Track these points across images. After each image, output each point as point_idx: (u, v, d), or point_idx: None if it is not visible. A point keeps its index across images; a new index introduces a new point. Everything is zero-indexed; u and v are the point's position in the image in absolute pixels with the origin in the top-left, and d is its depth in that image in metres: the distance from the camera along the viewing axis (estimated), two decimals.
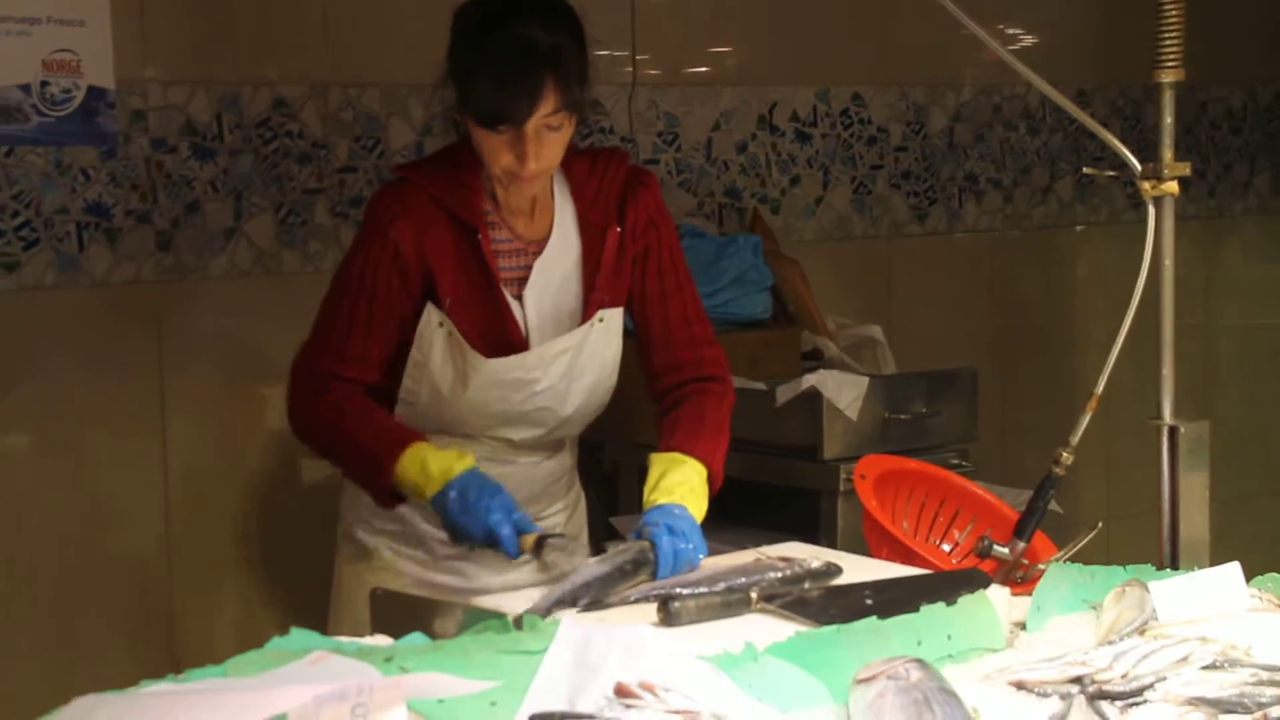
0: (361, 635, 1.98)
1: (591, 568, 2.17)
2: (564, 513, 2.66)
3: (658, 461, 2.45)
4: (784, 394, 3.41)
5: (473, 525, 2.30)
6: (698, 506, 2.38)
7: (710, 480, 2.45)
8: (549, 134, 2.35)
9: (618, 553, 2.20)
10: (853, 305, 4.22)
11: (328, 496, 3.57)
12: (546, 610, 2.05)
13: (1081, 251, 4.91)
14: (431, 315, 2.45)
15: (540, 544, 2.30)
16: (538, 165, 2.36)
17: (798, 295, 3.91)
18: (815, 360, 3.76)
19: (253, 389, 3.51)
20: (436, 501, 2.33)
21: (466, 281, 2.44)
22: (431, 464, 2.35)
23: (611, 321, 2.53)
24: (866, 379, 3.44)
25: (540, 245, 2.49)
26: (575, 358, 2.50)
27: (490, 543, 2.30)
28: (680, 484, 2.39)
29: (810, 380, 3.39)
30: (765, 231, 4.01)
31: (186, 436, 3.42)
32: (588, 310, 2.50)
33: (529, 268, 2.48)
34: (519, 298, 2.48)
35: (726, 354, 2.64)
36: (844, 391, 3.38)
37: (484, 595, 2.32)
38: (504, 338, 2.46)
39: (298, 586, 3.53)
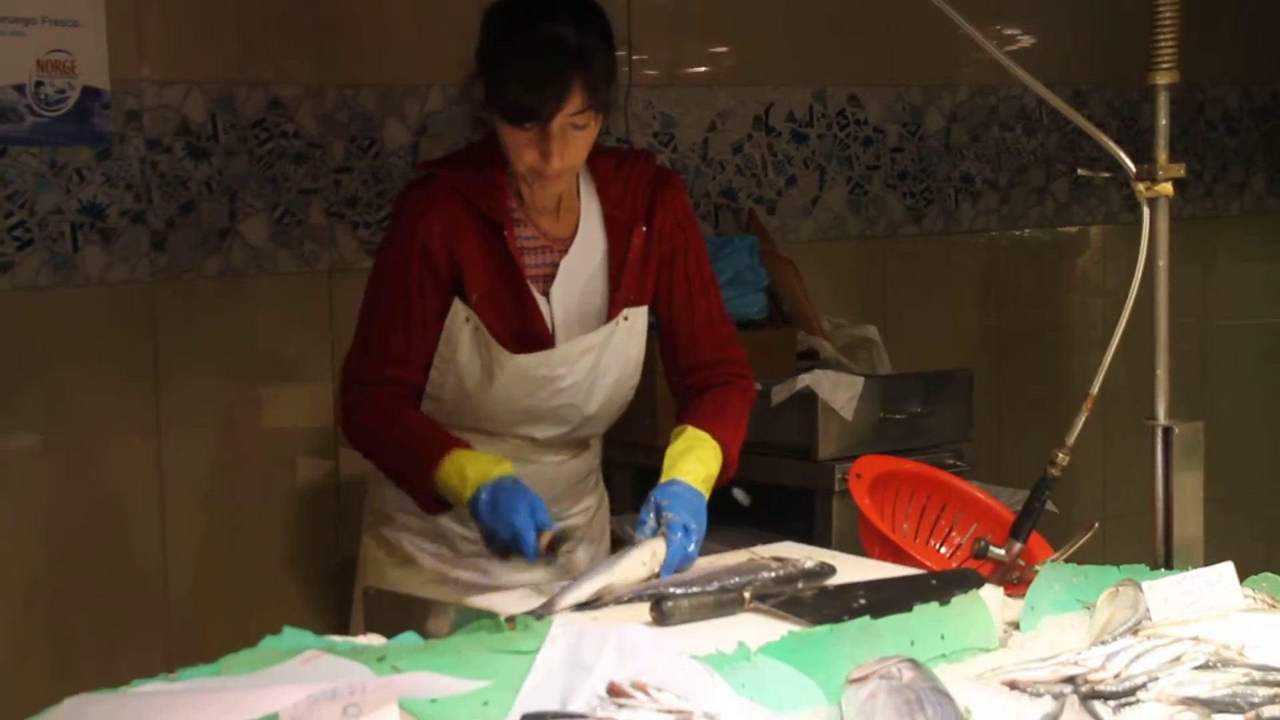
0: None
1: (604, 570, 2.18)
2: (587, 513, 2.68)
3: (688, 434, 2.48)
4: (779, 394, 3.41)
5: (501, 528, 2.32)
6: (708, 490, 2.42)
7: (724, 468, 2.48)
8: (574, 133, 2.37)
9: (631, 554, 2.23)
10: (848, 305, 4.22)
11: (323, 496, 3.59)
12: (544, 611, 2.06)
13: (1077, 252, 4.91)
14: (458, 310, 2.46)
15: (553, 543, 2.32)
16: (562, 163, 2.38)
17: (793, 295, 3.91)
18: (811, 360, 3.77)
19: (248, 389, 3.51)
20: (471, 505, 2.36)
21: (493, 277, 2.46)
22: (469, 469, 2.38)
23: (636, 320, 2.55)
24: (862, 379, 3.44)
25: (566, 243, 2.51)
26: (600, 355, 2.52)
27: (517, 550, 2.33)
28: (702, 465, 2.43)
29: (805, 380, 3.39)
30: (761, 232, 4.01)
31: (182, 436, 3.42)
32: (613, 309, 2.52)
33: (555, 265, 2.50)
34: (546, 294, 2.49)
35: None
36: (839, 392, 3.38)
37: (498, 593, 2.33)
38: (530, 333, 2.48)
39: (293, 585, 3.53)
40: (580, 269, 2.52)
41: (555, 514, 2.43)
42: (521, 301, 2.47)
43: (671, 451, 2.46)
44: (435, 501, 2.46)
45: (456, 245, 2.44)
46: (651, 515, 2.31)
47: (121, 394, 3.36)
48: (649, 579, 2.20)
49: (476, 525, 2.38)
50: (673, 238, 2.56)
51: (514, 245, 2.46)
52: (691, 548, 2.28)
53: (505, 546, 2.34)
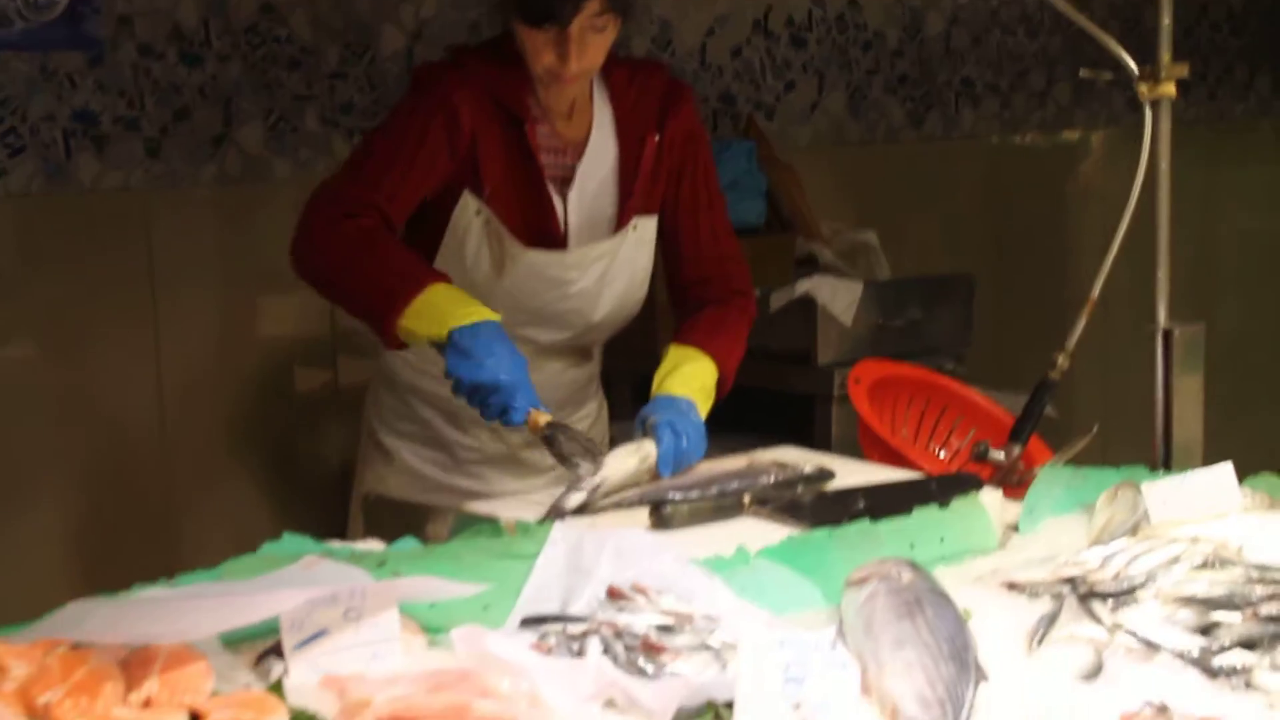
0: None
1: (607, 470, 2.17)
2: (586, 420, 2.68)
3: (674, 353, 2.47)
4: (778, 299, 3.40)
5: (485, 371, 2.18)
6: (704, 404, 2.41)
7: (720, 384, 2.47)
8: (593, 35, 2.34)
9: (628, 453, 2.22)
10: (848, 211, 4.19)
11: (321, 404, 3.59)
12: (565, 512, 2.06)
13: (1079, 156, 4.88)
14: (468, 203, 2.43)
15: (553, 430, 2.19)
16: (580, 66, 2.35)
17: (792, 201, 3.89)
18: (810, 266, 3.75)
19: (244, 296, 3.50)
20: (458, 333, 2.19)
21: (509, 171, 2.43)
22: (463, 300, 2.24)
23: (645, 230, 2.54)
24: (861, 285, 3.43)
25: (580, 147, 2.49)
26: (610, 263, 2.51)
27: (499, 400, 2.19)
28: (693, 378, 2.42)
29: (805, 286, 3.38)
30: (760, 137, 3.98)
31: (179, 344, 3.41)
32: (623, 216, 2.51)
33: (569, 168, 2.48)
34: (562, 196, 2.47)
35: None
36: (838, 297, 3.38)
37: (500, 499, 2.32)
38: (545, 231, 2.46)
39: (292, 491, 3.54)
40: (592, 175, 2.50)
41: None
42: (539, 198, 2.45)
43: (658, 375, 2.45)
44: (398, 332, 2.26)
45: (479, 130, 2.40)
46: (639, 428, 2.32)
47: (117, 301, 3.35)
48: (644, 473, 2.20)
49: (451, 361, 2.20)
50: (683, 149, 2.55)
51: (534, 141, 2.44)
52: (685, 442, 2.27)
53: (483, 397, 2.19)
